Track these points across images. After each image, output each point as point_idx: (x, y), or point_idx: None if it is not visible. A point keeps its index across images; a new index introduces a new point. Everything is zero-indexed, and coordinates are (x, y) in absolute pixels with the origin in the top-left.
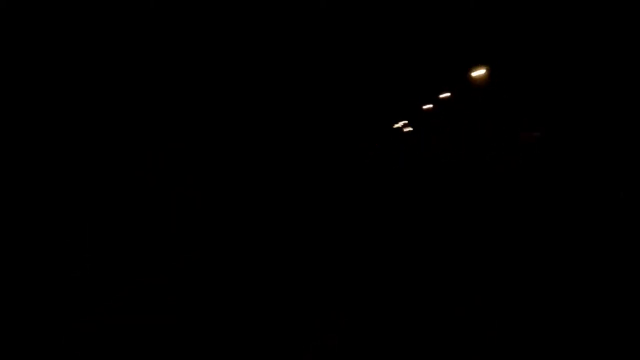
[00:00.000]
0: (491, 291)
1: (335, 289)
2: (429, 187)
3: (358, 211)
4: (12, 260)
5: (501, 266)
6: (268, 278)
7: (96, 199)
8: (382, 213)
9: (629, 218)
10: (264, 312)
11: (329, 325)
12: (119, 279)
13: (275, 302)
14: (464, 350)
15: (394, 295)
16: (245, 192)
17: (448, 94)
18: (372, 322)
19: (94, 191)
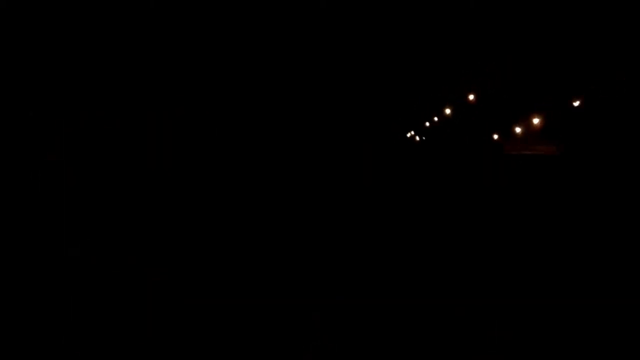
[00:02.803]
0: (491, 291)
1: (335, 289)
2: (430, 188)
3: (359, 211)
4: (11, 258)
5: (501, 266)
6: (268, 277)
7: (96, 197)
8: (383, 213)
9: (629, 218)
10: (264, 312)
11: (329, 325)
12: (118, 275)
13: (275, 302)
14: (464, 350)
15: (394, 295)
16: (246, 191)
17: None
18: (371, 322)
19: (94, 189)
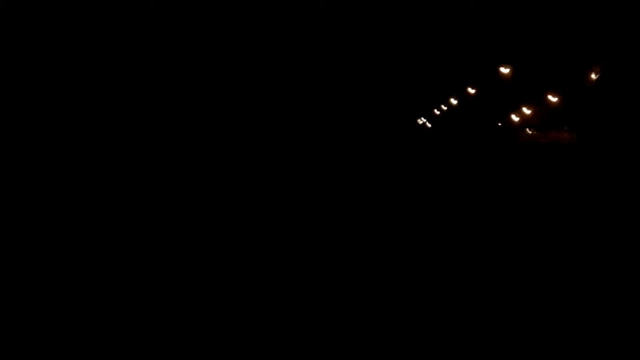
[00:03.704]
0: (491, 291)
1: (335, 289)
2: (430, 185)
3: (359, 209)
4: (12, 258)
5: (501, 266)
6: (268, 277)
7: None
8: (383, 211)
9: (630, 218)
10: (264, 311)
11: (328, 325)
12: (117, 275)
13: (275, 302)
14: (464, 350)
15: (394, 295)
16: (246, 190)
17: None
18: (371, 322)
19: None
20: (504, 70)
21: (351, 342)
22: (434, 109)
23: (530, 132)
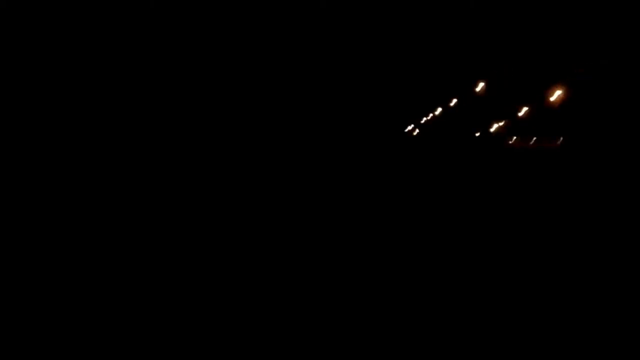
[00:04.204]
0: (491, 291)
1: (335, 288)
2: (429, 186)
3: (360, 209)
4: (12, 258)
5: (501, 266)
6: (268, 277)
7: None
8: (382, 211)
9: (629, 218)
10: (264, 311)
11: (328, 325)
12: (116, 275)
13: (275, 301)
14: (464, 350)
15: (394, 295)
16: (245, 188)
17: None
18: (371, 322)
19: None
20: (490, 79)
21: (351, 342)
22: (422, 116)
23: (517, 139)
